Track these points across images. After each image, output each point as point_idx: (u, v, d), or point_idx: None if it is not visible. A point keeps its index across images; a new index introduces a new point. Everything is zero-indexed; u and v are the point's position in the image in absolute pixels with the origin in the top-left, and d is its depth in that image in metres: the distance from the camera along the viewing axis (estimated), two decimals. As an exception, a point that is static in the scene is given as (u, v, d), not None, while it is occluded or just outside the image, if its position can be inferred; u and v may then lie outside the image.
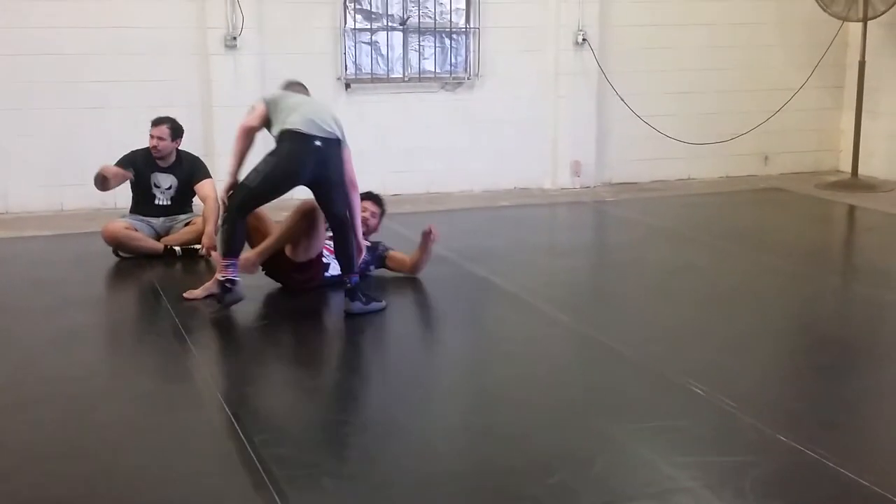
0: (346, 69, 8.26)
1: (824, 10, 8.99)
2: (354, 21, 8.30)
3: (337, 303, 5.21)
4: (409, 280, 5.68)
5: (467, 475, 3.36)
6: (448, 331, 5.09)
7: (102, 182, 6.07)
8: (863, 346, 4.85)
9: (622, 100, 8.81)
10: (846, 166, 9.41)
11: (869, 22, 8.81)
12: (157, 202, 6.36)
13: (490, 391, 4.17)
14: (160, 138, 6.27)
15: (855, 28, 9.12)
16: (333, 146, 4.99)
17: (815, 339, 4.99)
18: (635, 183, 9.16)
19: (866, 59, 8.87)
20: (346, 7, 8.20)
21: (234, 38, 7.77)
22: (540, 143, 8.89)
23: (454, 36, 8.65)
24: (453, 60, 8.68)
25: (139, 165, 6.28)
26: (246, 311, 5.11)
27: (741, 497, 3.14)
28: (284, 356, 4.77)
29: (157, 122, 6.32)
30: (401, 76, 8.51)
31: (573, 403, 3.98)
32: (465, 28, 8.64)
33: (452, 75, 8.65)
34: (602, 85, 8.85)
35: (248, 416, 3.77)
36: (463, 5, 8.59)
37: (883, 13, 8.71)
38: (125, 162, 6.27)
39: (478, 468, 3.41)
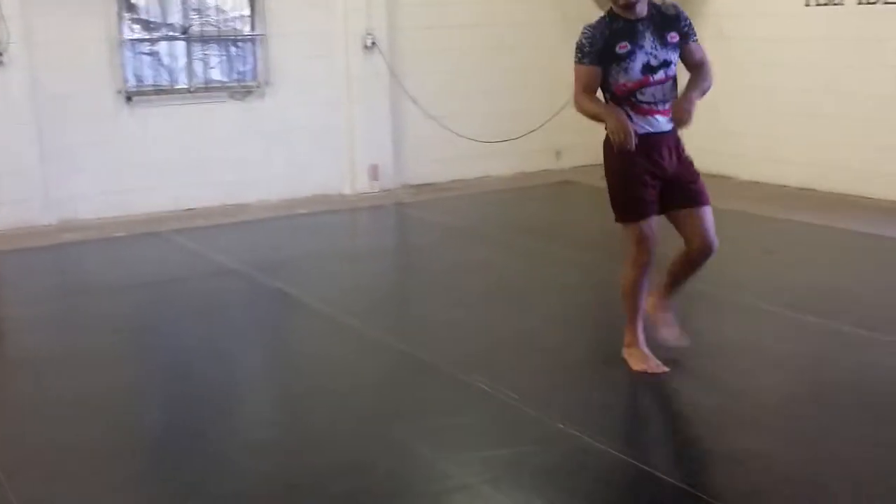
0: (126, 81, 7.94)
1: (600, 10, 9.32)
2: (132, 31, 7.98)
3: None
4: (199, 295, 5.51)
5: (251, 491, 3.27)
6: (238, 346, 4.94)
7: None
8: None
9: (414, 102, 8.87)
10: (632, 157, 9.79)
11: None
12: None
13: (277, 405, 4.09)
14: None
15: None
16: None
17: (599, 327, 5.15)
18: (434, 183, 9.22)
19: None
20: (120, 17, 7.87)
21: (1, 54, 7.32)
22: (336, 148, 8.82)
23: (240, 43, 8.46)
24: (241, 69, 8.49)
25: None
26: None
27: (518, 488, 3.19)
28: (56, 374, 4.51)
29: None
30: (186, 87, 8.24)
31: (360, 410, 3.95)
32: (251, 35, 8.47)
33: (241, 84, 8.46)
34: (395, 88, 8.88)
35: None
36: (247, 12, 8.43)
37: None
38: None
39: (261, 485, 3.33)
